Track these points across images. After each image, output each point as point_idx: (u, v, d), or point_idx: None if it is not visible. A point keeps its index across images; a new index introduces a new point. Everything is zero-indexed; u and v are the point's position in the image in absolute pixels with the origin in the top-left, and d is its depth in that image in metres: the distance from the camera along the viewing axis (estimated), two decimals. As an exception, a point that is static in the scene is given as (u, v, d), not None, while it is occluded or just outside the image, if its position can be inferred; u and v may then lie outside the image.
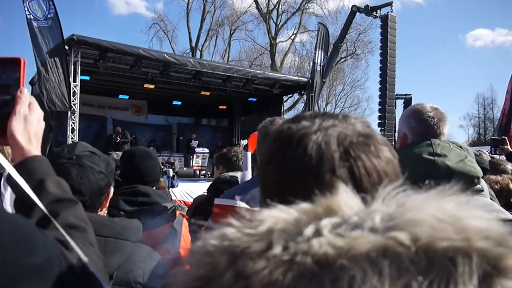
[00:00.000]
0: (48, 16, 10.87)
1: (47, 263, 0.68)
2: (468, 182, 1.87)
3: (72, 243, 0.83)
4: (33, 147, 0.98)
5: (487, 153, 4.97)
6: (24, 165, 0.96)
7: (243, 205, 1.73)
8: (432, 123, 2.03)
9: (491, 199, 2.06)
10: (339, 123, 0.66)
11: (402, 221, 0.35)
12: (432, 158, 1.87)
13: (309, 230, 0.36)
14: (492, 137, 5.89)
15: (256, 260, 0.35)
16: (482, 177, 1.98)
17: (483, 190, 1.94)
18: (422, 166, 1.84)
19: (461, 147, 1.99)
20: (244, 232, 0.39)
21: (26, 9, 10.63)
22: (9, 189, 2.10)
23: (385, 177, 0.62)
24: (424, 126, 2.04)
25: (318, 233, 0.36)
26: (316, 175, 0.61)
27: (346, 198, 0.41)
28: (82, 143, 1.54)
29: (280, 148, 0.67)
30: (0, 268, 0.60)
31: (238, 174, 2.57)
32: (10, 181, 0.96)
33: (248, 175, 2.25)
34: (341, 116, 0.69)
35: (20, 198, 0.94)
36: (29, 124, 0.98)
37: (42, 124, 1.02)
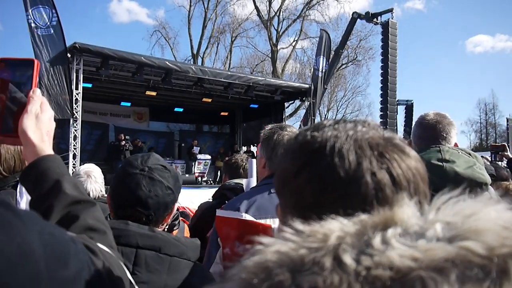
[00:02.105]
0: (51, 24, 10.94)
1: (79, 273, 0.67)
2: (476, 189, 1.88)
3: (102, 247, 0.81)
4: (46, 146, 0.95)
5: (488, 158, 4.98)
6: (38, 164, 0.93)
7: (249, 217, 1.69)
8: (428, 125, 2.08)
9: None
10: (363, 128, 0.68)
11: (466, 230, 0.35)
12: (440, 164, 1.89)
13: (377, 242, 0.35)
14: (492, 144, 5.89)
15: (328, 275, 0.33)
16: (491, 184, 1.99)
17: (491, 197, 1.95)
18: (431, 172, 1.84)
19: (469, 154, 2.00)
20: (308, 246, 0.36)
21: (29, 17, 10.69)
22: (24, 197, 2.10)
23: (417, 174, 0.66)
24: (421, 129, 2.12)
25: (386, 244, 0.35)
26: (358, 179, 0.62)
27: (406, 208, 0.41)
28: (155, 155, 1.53)
29: (311, 158, 0.66)
30: (40, 282, 0.57)
31: (243, 181, 2.56)
32: (25, 182, 0.95)
33: (253, 182, 2.22)
34: (360, 122, 0.71)
35: (36, 200, 0.92)
36: (40, 122, 0.95)
37: (53, 124, 1.00)
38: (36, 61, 0.99)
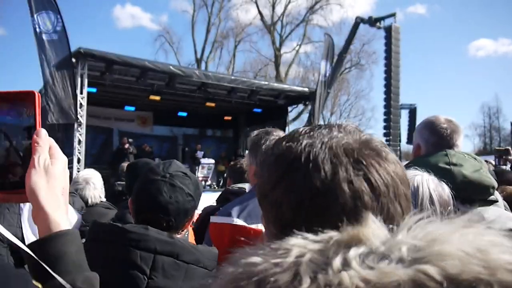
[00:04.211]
0: (56, 29, 11.01)
1: None
2: (483, 192, 1.89)
3: None
4: (61, 215, 0.76)
5: (493, 162, 4.98)
6: (51, 245, 0.73)
7: (240, 222, 1.72)
8: (445, 134, 2.06)
9: (505, 209, 2.07)
10: (339, 134, 0.66)
11: (429, 253, 0.35)
12: (448, 167, 1.90)
13: (337, 261, 0.36)
14: (495, 148, 5.89)
15: None
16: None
17: (497, 201, 1.96)
18: (438, 175, 1.87)
19: (475, 158, 2.02)
20: (270, 261, 0.38)
21: (34, 22, 10.76)
22: (27, 205, 2.09)
23: (396, 177, 0.63)
24: (437, 137, 2.08)
25: (346, 264, 0.36)
26: (335, 189, 0.60)
27: (373, 227, 0.41)
28: (176, 162, 1.57)
29: (287, 170, 0.65)
30: None
31: (246, 186, 2.58)
32: (29, 260, 0.74)
33: (256, 187, 2.23)
34: (336, 126, 0.69)
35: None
36: (53, 178, 0.76)
37: (67, 175, 0.81)
38: (36, 93, 0.80)
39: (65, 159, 0.81)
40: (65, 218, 0.76)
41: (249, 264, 0.39)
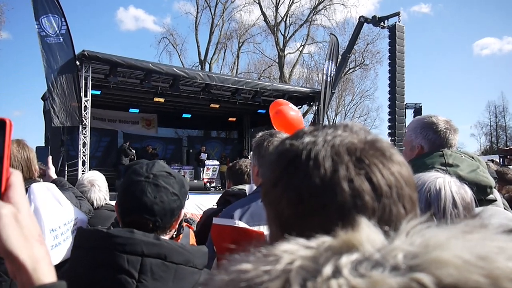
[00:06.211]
0: (60, 32, 11.08)
1: None
2: (481, 192, 1.86)
3: None
4: (43, 269, 0.64)
5: (496, 161, 4.96)
6: None
7: (242, 224, 1.71)
8: (447, 135, 2.08)
9: (504, 208, 2.05)
10: (343, 133, 0.64)
11: (425, 261, 0.34)
12: (444, 168, 1.87)
13: (328, 269, 0.35)
14: (499, 148, 5.89)
15: None
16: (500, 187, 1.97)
17: (496, 200, 1.94)
18: None
19: (472, 157, 2.00)
20: (260, 269, 0.37)
21: (38, 26, 10.84)
22: (33, 204, 2.10)
23: (401, 179, 0.61)
24: (441, 138, 2.09)
25: (337, 271, 0.35)
26: (334, 187, 0.58)
27: (368, 233, 0.39)
28: (160, 162, 1.55)
29: (288, 167, 0.63)
30: None
31: (246, 187, 2.57)
32: None
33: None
34: (342, 126, 0.67)
35: None
36: (26, 228, 0.64)
37: (34, 217, 0.68)
38: (8, 121, 0.67)
39: (27, 199, 0.69)
40: (47, 271, 0.65)
41: (239, 271, 0.38)
